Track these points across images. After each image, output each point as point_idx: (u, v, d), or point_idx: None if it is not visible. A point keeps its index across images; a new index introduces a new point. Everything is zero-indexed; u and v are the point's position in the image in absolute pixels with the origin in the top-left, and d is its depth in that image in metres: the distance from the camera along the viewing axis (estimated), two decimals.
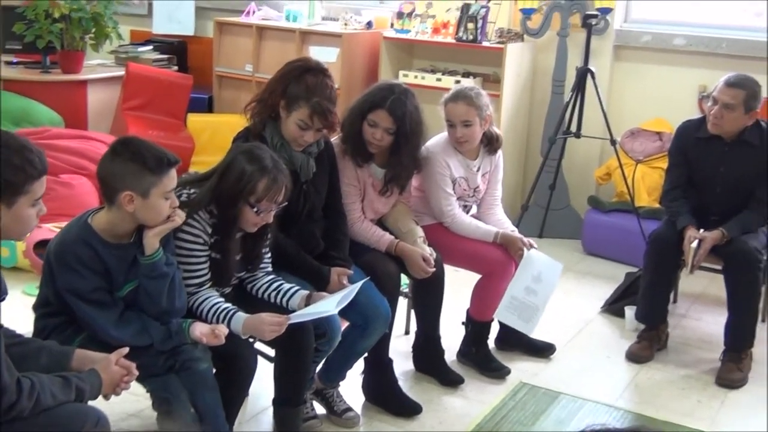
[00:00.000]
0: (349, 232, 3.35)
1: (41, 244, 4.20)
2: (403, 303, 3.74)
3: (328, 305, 2.84)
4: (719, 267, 3.91)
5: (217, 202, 2.76)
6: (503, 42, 5.42)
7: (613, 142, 5.05)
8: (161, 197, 2.53)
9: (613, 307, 4.40)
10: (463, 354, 3.80)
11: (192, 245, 2.75)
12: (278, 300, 2.92)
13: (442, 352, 3.67)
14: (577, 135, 5.20)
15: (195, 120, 6.11)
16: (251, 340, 2.87)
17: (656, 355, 3.95)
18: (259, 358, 2.93)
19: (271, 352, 3.02)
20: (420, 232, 3.51)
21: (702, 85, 5.26)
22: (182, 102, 6.12)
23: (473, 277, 3.71)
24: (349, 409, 3.30)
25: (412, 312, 3.80)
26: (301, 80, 3.06)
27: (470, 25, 5.47)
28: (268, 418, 3.20)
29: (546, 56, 5.62)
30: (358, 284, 3.01)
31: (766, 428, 3.41)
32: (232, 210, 2.75)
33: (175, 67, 6.50)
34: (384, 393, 3.41)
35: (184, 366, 2.63)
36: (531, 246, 3.64)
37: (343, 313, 2.97)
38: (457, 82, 5.29)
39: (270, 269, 3.02)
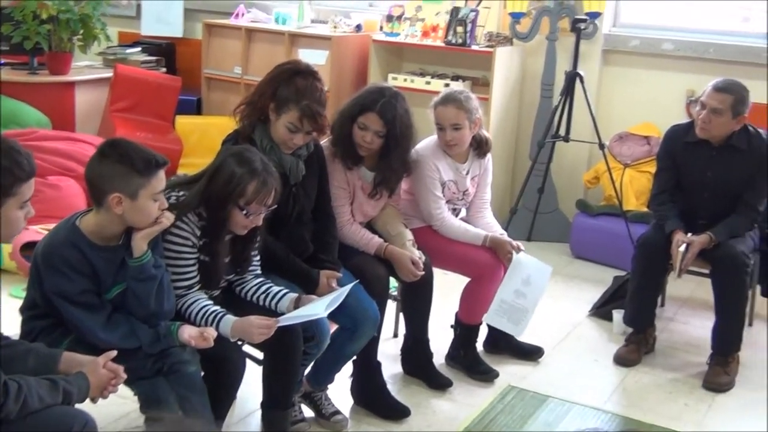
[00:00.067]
0: (338, 235, 3.35)
1: (28, 246, 4.18)
2: (391, 306, 3.73)
3: (317, 308, 2.84)
4: (707, 271, 3.92)
5: (207, 204, 2.75)
6: (492, 46, 5.43)
7: (601, 146, 5.06)
8: (150, 199, 2.52)
9: (601, 310, 4.41)
10: (452, 357, 3.80)
11: (181, 248, 2.74)
12: (267, 303, 2.91)
13: (430, 355, 3.67)
14: (566, 139, 5.21)
15: (183, 122, 6.10)
16: (240, 343, 2.86)
17: (644, 358, 3.96)
18: (248, 361, 2.92)
19: (260, 355, 3.02)
20: (409, 235, 3.51)
21: (690, 90, 5.29)
22: (170, 104, 6.11)
23: (462, 281, 3.71)
24: (338, 412, 3.30)
25: (401, 315, 3.80)
26: (291, 83, 3.05)
27: (459, 29, 5.48)
28: (256, 421, 3.19)
29: (535, 60, 5.64)
30: (348, 287, 3.00)
31: (752, 431, 3.43)
32: (222, 212, 2.74)
33: (164, 69, 6.49)
34: (372, 396, 3.41)
35: (172, 369, 2.62)
36: (520, 249, 3.65)
37: (332, 316, 2.96)
38: (447, 85, 5.30)
39: (259, 272, 3.01)
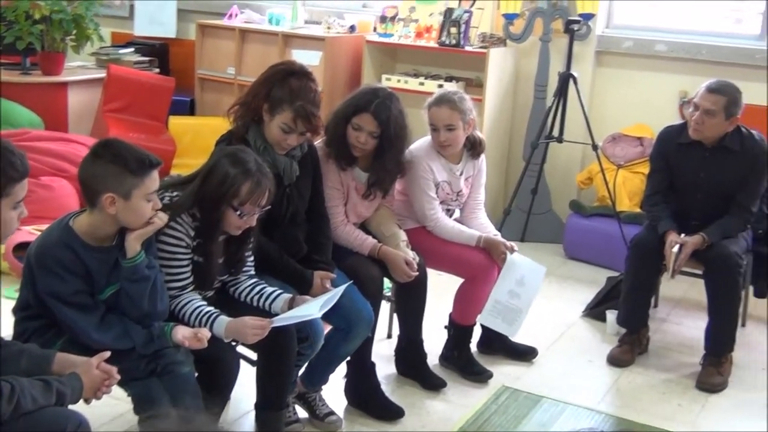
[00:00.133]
0: (332, 235, 3.35)
1: (20, 247, 4.16)
2: (385, 307, 3.73)
3: (312, 309, 2.83)
4: (700, 272, 3.93)
5: (200, 205, 2.74)
6: (486, 47, 5.44)
7: (594, 147, 5.07)
8: (143, 199, 2.51)
9: (595, 311, 4.42)
10: (446, 358, 3.80)
11: (174, 248, 2.74)
12: (261, 303, 2.91)
13: (424, 355, 3.67)
14: (559, 140, 5.22)
15: (177, 123, 6.09)
16: (233, 343, 2.85)
17: (637, 359, 3.97)
18: (242, 362, 2.92)
19: (254, 356, 3.01)
20: (403, 235, 3.51)
21: (683, 91, 5.30)
22: (164, 104, 6.10)
23: (456, 281, 3.71)
24: (332, 412, 3.30)
25: (395, 316, 3.80)
26: (285, 83, 3.05)
27: (453, 30, 5.49)
28: (250, 422, 3.18)
29: (528, 61, 5.64)
30: (342, 288, 3.00)
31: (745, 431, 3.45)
32: (215, 213, 2.74)
33: (157, 70, 6.48)
34: (366, 397, 3.41)
35: (166, 370, 2.61)
36: (513, 250, 3.65)
37: (326, 316, 2.96)
38: (440, 86, 5.30)
39: (253, 273, 3.01)
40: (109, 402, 2.59)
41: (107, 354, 2.38)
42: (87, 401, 2.33)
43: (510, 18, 5.48)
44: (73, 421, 2.18)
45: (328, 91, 5.58)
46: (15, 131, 5.17)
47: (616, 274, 4.51)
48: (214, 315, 2.72)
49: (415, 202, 3.67)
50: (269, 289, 2.93)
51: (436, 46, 5.61)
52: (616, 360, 3.93)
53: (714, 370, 3.78)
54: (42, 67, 5.74)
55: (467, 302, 3.68)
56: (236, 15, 6.35)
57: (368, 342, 3.33)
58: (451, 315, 3.78)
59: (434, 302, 3.69)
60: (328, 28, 5.98)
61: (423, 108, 3.66)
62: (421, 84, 5.59)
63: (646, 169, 4.42)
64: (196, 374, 2.69)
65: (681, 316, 4.52)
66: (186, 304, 2.75)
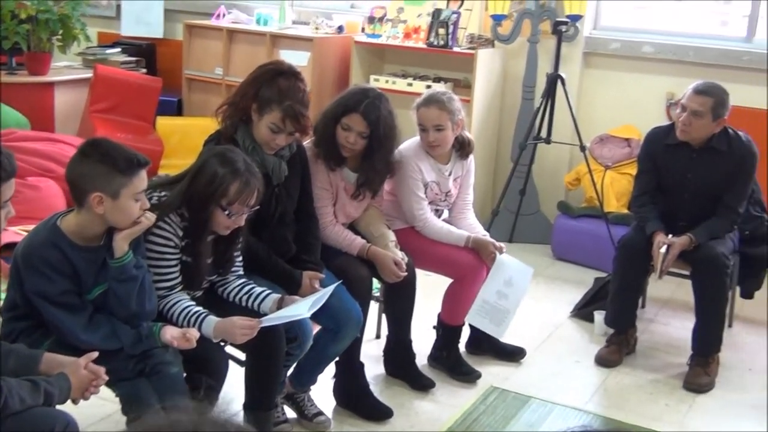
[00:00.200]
0: (321, 235, 3.34)
1: (7, 247, 4.13)
2: (374, 307, 3.73)
3: (301, 309, 2.83)
4: (687, 272, 3.95)
5: (189, 204, 2.74)
6: (474, 48, 5.44)
7: (582, 148, 5.09)
8: (131, 198, 2.50)
9: (583, 311, 4.43)
10: (434, 358, 3.80)
11: (163, 248, 2.73)
12: (250, 303, 2.90)
13: (413, 356, 3.67)
14: (547, 141, 5.23)
15: (164, 123, 6.07)
16: (222, 343, 2.85)
17: (625, 359, 3.98)
18: (230, 362, 2.91)
19: (242, 356, 3.00)
20: (392, 236, 3.51)
21: (670, 93, 5.32)
22: (151, 105, 6.08)
23: (444, 282, 3.71)
24: (320, 413, 3.29)
25: (383, 316, 3.80)
26: (274, 83, 3.05)
27: (441, 31, 5.49)
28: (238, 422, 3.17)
29: (516, 62, 5.66)
30: (331, 288, 3.00)
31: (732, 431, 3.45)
32: (204, 213, 2.73)
33: (144, 70, 6.46)
34: (355, 397, 3.40)
35: (154, 370, 2.60)
36: (502, 250, 3.66)
37: (315, 317, 2.96)
38: (428, 87, 5.29)
39: (241, 273, 3.00)
40: (96, 402, 2.58)
41: (95, 354, 2.37)
42: (75, 401, 2.32)
43: (498, 19, 5.49)
44: (61, 422, 2.18)
45: (316, 92, 5.58)
46: (1, 131, 5.14)
47: (603, 274, 4.52)
48: (203, 315, 2.72)
49: (404, 203, 3.67)
50: (258, 289, 2.92)
51: (425, 46, 5.61)
52: (604, 360, 3.94)
53: (701, 370, 3.80)
54: (28, 67, 5.71)
55: (456, 302, 3.68)
56: (224, 15, 6.34)
57: (357, 342, 3.33)
58: (439, 315, 3.78)
59: (423, 302, 3.69)
60: (316, 28, 5.98)
61: (412, 108, 3.66)
62: (410, 85, 5.59)
63: (633, 170, 4.44)
64: (185, 374, 2.68)
65: (668, 317, 4.54)
66: (174, 304, 2.74)
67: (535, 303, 4.51)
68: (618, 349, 3.98)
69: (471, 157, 3.81)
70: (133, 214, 2.53)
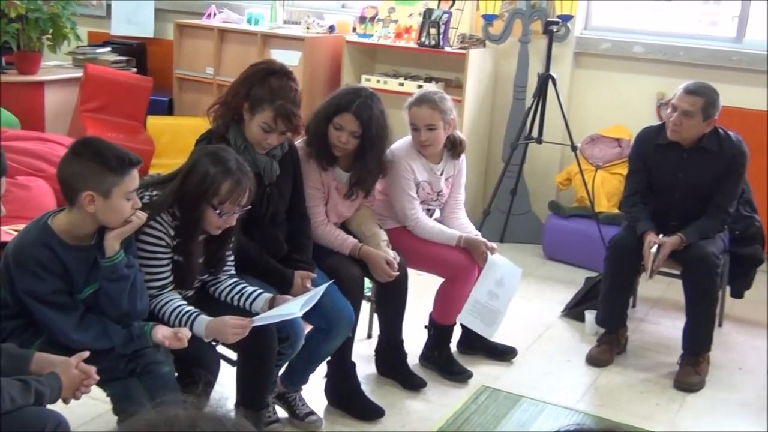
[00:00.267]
0: (313, 235, 3.34)
1: None
2: (365, 306, 3.73)
3: (292, 308, 2.83)
4: (678, 272, 3.96)
5: (180, 203, 2.73)
6: (465, 47, 5.45)
7: (573, 148, 5.10)
8: (123, 198, 2.49)
9: (574, 311, 4.44)
10: (426, 358, 3.80)
11: (154, 247, 2.72)
12: (241, 303, 2.90)
13: (404, 355, 3.67)
14: (539, 141, 5.24)
15: (155, 123, 6.05)
16: (214, 343, 2.84)
17: (616, 358, 3.99)
18: (222, 362, 2.90)
19: (234, 356, 3.00)
20: (383, 235, 3.51)
21: (660, 93, 5.34)
22: (142, 104, 6.06)
23: (436, 281, 3.71)
24: (312, 412, 3.29)
25: (375, 315, 3.80)
26: (265, 83, 3.05)
27: (432, 31, 5.50)
28: None
29: (507, 62, 5.66)
30: (323, 287, 3.00)
31: (722, 430, 3.46)
32: (195, 212, 2.72)
33: (134, 70, 6.45)
34: (347, 397, 3.40)
35: (145, 369, 2.60)
36: (494, 250, 3.66)
37: (307, 316, 2.96)
38: (420, 86, 5.30)
39: (233, 272, 3.00)
40: (88, 402, 2.58)
41: (86, 354, 2.36)
42: (66, 401, 2.31)
43: (489, 19, 5.49)
44: (52, 421, 2.17)
45: (308, 92, 5.57)
46: None
47: (594, 274, 4.53)
48: (194, 314, 2.71)
49: (396, 202, 3.67)
50: (250, 289, 2.92)
51: (416, 46, 5.61)
52: (595, 360, 3.95)
53: (691, 369, 3.81)
54: (18, 67, 5.69)
55: (447, 302, 3.68)
56: (215, 15, 6.33)
57: (348, 342, 3.33)
58: (431, 315, 3.78)
59: (414, 302, 3.69)
60: (308, 28, 5.98)
61: (404, 108, 3.66)
62: (401, 84, 5.60)
63: (624, 170, 4.45)
64: (176, 374, 2.67)
65: (659, 316, 4.55)
66: (166, 303, 2.73)
67: (527, 303, 4.51)
68: (609, 348, 3.99)
69: (462, 157, 3.81)
70: (125, 213, 2.53)
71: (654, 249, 3.78)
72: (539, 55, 5.36)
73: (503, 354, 3.94)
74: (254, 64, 3.18)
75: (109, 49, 6.47)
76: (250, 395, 2.98)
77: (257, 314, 2.82)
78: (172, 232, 2.74)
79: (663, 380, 3.83)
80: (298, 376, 3.27)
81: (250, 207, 2.84)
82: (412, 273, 3.61)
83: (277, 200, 3.16)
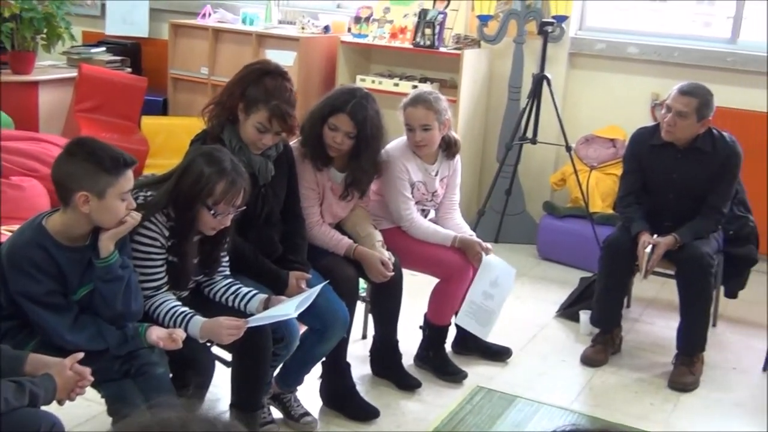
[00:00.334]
0: (308, 236, 3.34)
1: None
2: (360, 307, 3.73)
3: (287, 309, 2.82)
4: (672, 272, 3.97)
5: (175, 204, 2.73)
6: (460, 48, 5.45)
7: (568, 149, 5.10)
8: (117, 198, 2.49)
9: (568, 311, 4.44)
10: (421, 358, 3.80)
11: (149, 248, 2.72)
12: (236, 304, 2.90)
13: (399, 356, 3.67)
14: (533, 141, 5.25)
15: (149, 123, 6.04)
16: (208, 344, 2.84)
17: (610, 358, 3.99)
18: (217, 363, 2.90)
19: (229, 357, 3.00)
20: (378, 236, 3.51)
21: (654, 93, 5.35)
22: (136, 104, 6.06)
23: (431, 282, 3.71)
24: (307, 413, 3.29)
25: (370, 316, 3.80)
26: (260, 83, 3.04)
27: (427, 31, 5.50)
28: None
29: (502, 63, 5.67)
30: (317, 288, 2.99)
31: (716, 430, 3.47)
32: (190, 212, 2.72)
33: (129, 69, 6.43)
34: (341, 397, 3.40)
35: (140, 371, 2.60)
36: (489, 250, 3.66)
37: (302, 317, 2.95)
38: (415, 87, 5.29)
39: (228, 273, 2.99)
40: (82, 403, 2.58)
41: (81, 355, 2.36)
42: (60, 402, 2.31)
43: (484, 19, 5.50)
44: (47, 423, 2.16)
45: (303, 92, 5.55)
46: None
47: (589, 274, 4.54)
48: (189, 315, 2.71)
49: (391, 203, 3.67)
50: (244, 290, 2.92)
51: (411, 47, 5.61)
52: (590, 360, 3.96)
53: (686, 369, 3.82)
54: (12, 66, 5.68)
55: (442, 302, 3.68)
56: (209, 14, 6.32)
57: (343, 342, 3.33)
58: (426, 315, 3.78)
59: (409, 302, 3.69)
60: (303, 28, 5.97)
61: (399, 108, 3.66)
62: (396, 85, 5.59)
63: (618, 170, 4.45)
64: (171, 375, 2.67)
65: (653, 316, 4.56)
66: (160, 304, 2.73)
67: (521, 303, 4.52)
68: (603, 348, 3.99)
69: (457, 157, 3.82)
70: (119, 213, 2.52)
71: (648, 249, 3.79)
72: (534, 55, 5.36)
73: (498, 354, 3.95)
74: (249, 65, 3.18)
75: (103, 48, 6.46)
76: (245, 396, 2.98)
77: (252, 315, 2.82)
78: (166, 233, 2.74)
79: (657, 380, 3.84)
80: (293, 376, 3.27)
81: (244, 207, 2.83)
82: (406, 273, 3.61)
83: (271, 201, 3.16)
